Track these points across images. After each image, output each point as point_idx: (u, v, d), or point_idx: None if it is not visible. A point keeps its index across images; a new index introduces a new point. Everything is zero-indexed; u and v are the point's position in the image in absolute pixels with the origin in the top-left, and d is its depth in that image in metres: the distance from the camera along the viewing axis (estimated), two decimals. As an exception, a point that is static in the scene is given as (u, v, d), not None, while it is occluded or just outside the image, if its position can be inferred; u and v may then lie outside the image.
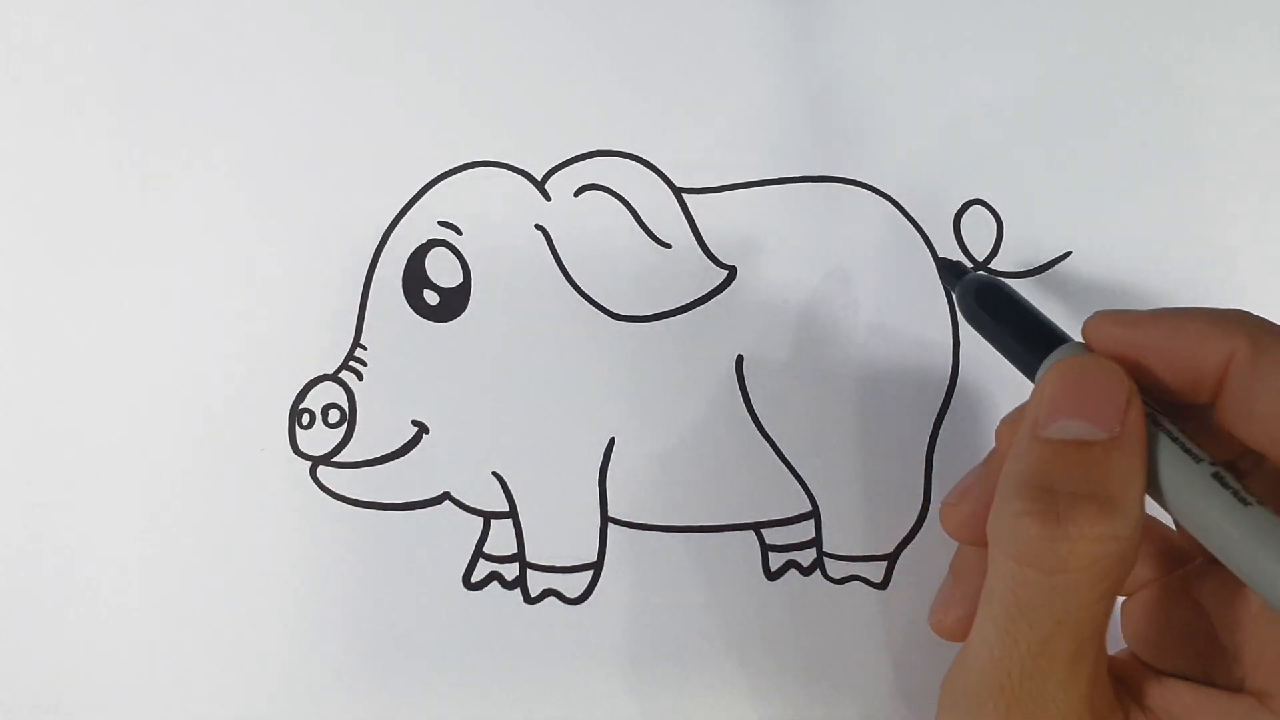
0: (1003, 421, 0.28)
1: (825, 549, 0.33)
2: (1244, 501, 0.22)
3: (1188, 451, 0.24)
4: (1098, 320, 0.26)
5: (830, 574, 0.32)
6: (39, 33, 0.33)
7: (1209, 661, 0.26)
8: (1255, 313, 0.24)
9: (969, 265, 0.31)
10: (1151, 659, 0.27)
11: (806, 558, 0.32)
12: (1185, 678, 0.26)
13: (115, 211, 0.32)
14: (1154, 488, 0.24)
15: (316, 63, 0.33)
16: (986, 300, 0.29)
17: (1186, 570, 0.27)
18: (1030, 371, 0.27)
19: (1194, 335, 0.25)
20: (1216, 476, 0.23)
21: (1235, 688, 0.25)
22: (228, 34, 0.33)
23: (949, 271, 0.31)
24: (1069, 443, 0.24)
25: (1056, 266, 0.33)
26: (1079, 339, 0.26)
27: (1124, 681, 0.25)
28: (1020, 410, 0.27)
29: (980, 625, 0.24)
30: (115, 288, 0.32)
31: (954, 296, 0.30)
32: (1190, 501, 0.23)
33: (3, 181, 0.33)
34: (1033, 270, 0.33)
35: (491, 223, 0.33)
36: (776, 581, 0.32)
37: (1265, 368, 0.24)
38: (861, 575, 0.33)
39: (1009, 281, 0.32)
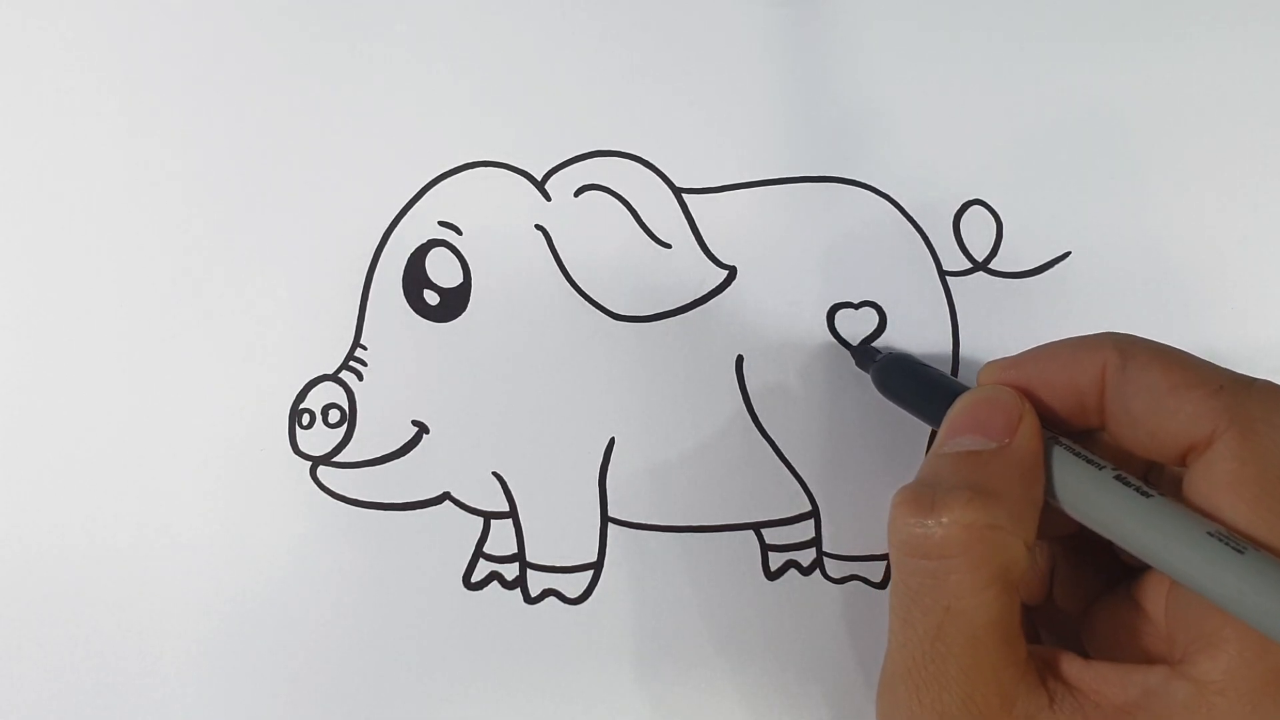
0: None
1: (825, 549, 0.33)
2: (1146, 495, 0.24)
3: (1090, 461, 0.25)
4: (987, 368, 0.28)
5: (830, 574, 0.33)
6: (39, 32, 0.33)
7: (1150, 654, 0.27)
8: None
9: (879, 350, 0.32)
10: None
11: (806, 558, 0.32)
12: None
13: (114, 211, 0.32)
14: (1057, 496, 0.26)
15: (317, 62, 0.33)
16: (894, 372, 0.31)
17: (1131, 580, 0.28)
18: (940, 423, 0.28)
19: (1067, 359, 0.27)
20: (1119, 478, 0.25)
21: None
22: (228, 33, 0.33)
23: (864, 356, 0.32)
24: (961, 453, 0.26)
25: (1056, 266, 0.33)
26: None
27: (1052, 667, 0.26)
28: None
29: (890, 616, 0.26)
30: (115, 288, 0.32)
31: (871, 378, 0.32)
32: (1096, 503, 0.25)
33: (2, 182, 0.33)
34: (1032, 270, 0.33)
35: (491, 223, 0.33)
36: (776, 581, 0.32)
37: (1134, 370, 0.25)
38: (861, 575, 0.33)
39: (1007, 284, 0.32)
